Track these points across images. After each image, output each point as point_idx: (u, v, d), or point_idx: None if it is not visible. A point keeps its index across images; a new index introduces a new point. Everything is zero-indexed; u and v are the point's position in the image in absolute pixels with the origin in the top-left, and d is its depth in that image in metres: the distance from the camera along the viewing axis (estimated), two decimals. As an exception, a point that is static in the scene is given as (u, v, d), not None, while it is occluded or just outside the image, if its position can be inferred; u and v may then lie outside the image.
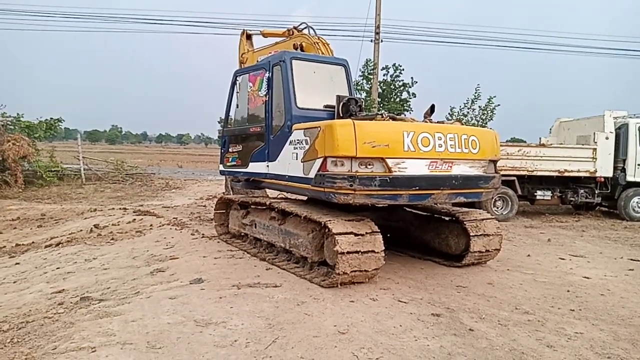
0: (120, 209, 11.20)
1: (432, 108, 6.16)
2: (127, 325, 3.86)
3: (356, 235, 4.88)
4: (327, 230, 4.93)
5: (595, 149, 11.64)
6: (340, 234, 4.77)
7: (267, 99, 6.25)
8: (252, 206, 6.82)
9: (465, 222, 5.95)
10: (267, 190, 7.57)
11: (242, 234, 7.01)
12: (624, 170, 11.80)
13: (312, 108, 5.96)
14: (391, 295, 4.78)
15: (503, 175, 10.28)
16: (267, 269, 5.65)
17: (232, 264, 5.93)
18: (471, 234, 5.88)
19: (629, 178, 11.77)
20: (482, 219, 6.12)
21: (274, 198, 6.73)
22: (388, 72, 19.22)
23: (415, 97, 19.13)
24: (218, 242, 7.31)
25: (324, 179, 4.92)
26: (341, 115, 5.72)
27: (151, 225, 8.90)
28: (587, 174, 11.73)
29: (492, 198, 11.02)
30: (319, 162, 5.05)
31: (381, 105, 18.49)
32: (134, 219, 9.50)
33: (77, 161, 17.82)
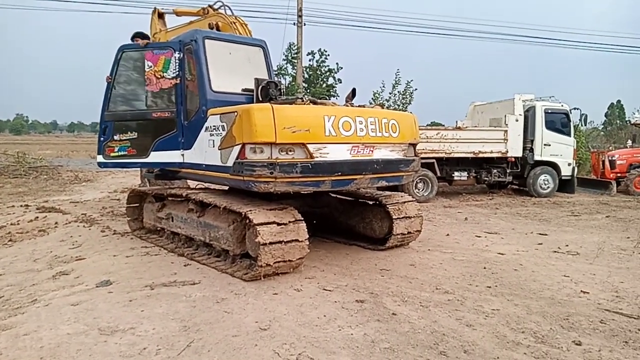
0: (21, 206, 10.06)
1: (354, 92, 6.08)
2: (18, 340, 3.38)
3: (279, 224, 4.69)
4: (248, 221, 4.68)
5: (506, 131, 12.38)
6: (261, 224, 4.55)
7: (178, 81, 5.80)
8: (168, 198, 6.37)
9: (387, 206, 5.99)
10: (189, 180, 7.06)
11: (158, 228, 6.54)
12: (532, 150, 12.68)
13: (229, 92, 5.62)
14: (316, 284, 4.66)
15: (423, 158, 10.64)
16: (185, 265, 5.30)
17: (146, 262, 5.49)
18: (393, 217, 5.93)
19: (537, 157, 12.67)
20: (404, 202, 6.20)
21: (191, 189, 6.32)
22: (314, 57, 19.09)
23: (341, 82, 19.22)
24: (131, 238, 6.76)
25: (242, 167, 4.65)
26: (260, 99, 5.45)
27: (56, 223, 8.07)
28: (499, 155, 12.46)
29: (414, 180, 11.36)
30: (236, 149, 4.76)
31: (307, 90, 18.34)
32: (37, 217, 8.55)
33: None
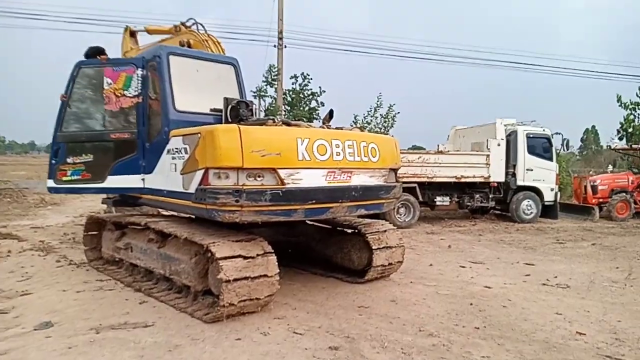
0: (-26, 231, 9.33)
1: (331, 113, 5.73)
2: None
3: (245, 258, 4.21)
4: (210, 254, 4.18)
5: (488, 155, 12.18)
6: (225, 258, 4.07)
7: (140, 100, 5.35)
8: (127, 226, 5.83)
9: (367, 235, 5.57)
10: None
11: (117, 259, 5.97)
12: (514, 175, 12.48)
13: (195, 112, 5.19)
14: (286, 326, 4.16)
15: (405, 183, 10.32)
16: (140, 303, 4.74)
17: (98, 298, 4.92)
18: (373, 248, 5.51)
19: (519, 182, 12.47)
20: (384, 231, 5.79)
21: (152, 216, 5.81)
22: (297, 80, 18.93)
23: (323, 105, 19.05)
24: (87, 270, 6.17)
25: (205, 194, 4.19)
26: (229, 120, 5.02)
27: (9, 251, 7.40)
28: (482, 179, 12.22)
29: (395, 205, 10.99)
30: (199, 174, 4.30)
31: (290, 113, 18.10)
32: (-11, 244, 7.88)
33: None
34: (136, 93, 5.42)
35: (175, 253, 4.79)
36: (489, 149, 12.23)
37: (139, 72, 5.41)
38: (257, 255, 4.31)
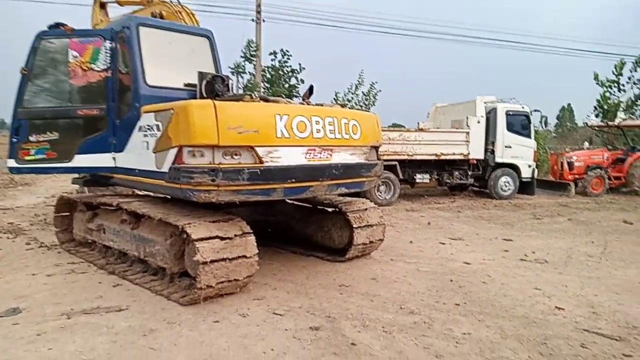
0: (-61, 214, 8.94)
1: (311, 89, 5.56)
2: None
3: (222, 239, 4.08)
4: (186, 235, 4.03)
5: (468, 133, 12.18)
6: (201, 239, 3.92)
7: (109, 74, 5.07)
8: (100, 207, 5.60)
9: (348, 214, 5.49)
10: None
11: (89, 241, 5.75)
12: (493, 152, 12.55)
13: (167, 87, 4.95)
14: (265, 307, 4.08)
15: (386, 160, 10.27)
16: (114, 286, 4.59)
17: (70, 281, 4.74)
18: (354, 226, 5.45)
19: (498, 159, 12.56)
20: (365, 209, 5.72)
21: (125, 196, 5.59)
22: (276, 57, 18.47)
23: (303, 83, 18.67)
24: (59, 252, 5.95)
25: (179, 173, 4.01)
26: (204, 95, 4.79)
27: (-24, 234, 7.10)
28: (462, 157, 12.25)
29: (375, 184, 10.95)
30: (173, 152, 4.12)
31: (269, 90, 17.73)
32: (-46, 228, 7.54)
33: None
34: (105, 67, 5.13)
35: (149, 234, 4.62)
36: (468, 126, 12.24)
37: (107, 44, 5.11)
38: (235, 235, 4.18)
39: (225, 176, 3.96)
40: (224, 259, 4.02)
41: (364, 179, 5.24)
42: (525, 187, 13.08)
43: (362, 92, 17.63)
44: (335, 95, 17.68)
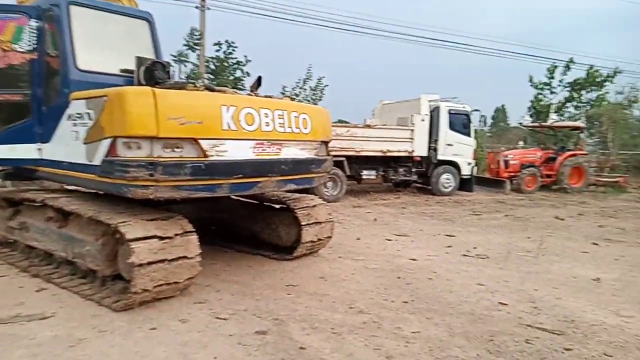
0: None
1: (259, 80, 5.33)
2: None
3: (161, 239, 3.78)
4: (120, 234, 3.70)
5: (412, 130, 12.41)
6: (137, 239, 3.61)
7: (35, 56, 4.57)
8: (23, 203, 5.07)
9: (296, 211, 5.33)
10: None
11: (10, 240, 5.20)
12: (435, 150, 12.88)
13: (101, 72, 4.54)
14: (208, 311, 3.83)
15: (334, 156, 10.20)
16: (38, 291, 4.15)
17: (-15, 286, 4.23)
18: (302, 223, 5.30)
19: (440, 157, 12.90)
20: (314, 206, 5.59)
21: (51, 191, 5.09)
22: (220, 48, 17.90)
23: (249, 75, 18.30)
24: (-27, 253, 5.33)
25: (112, 166, 3.67)
26: (143, 82, 4.45)
27: None
28: (406, 154, 12.47)
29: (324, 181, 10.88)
30: (106, 143, 3.76)
31: (213, 82, 17.15)
32: None
33: None
34: (30, 48, 4.61)
35: (78, 234, 4.21)
36: (413, 124, 12.47)
37: (33, 23, 4.60)
38: (176, 235, 3.90)
39: (165, 170, 3.67)
40: (162, 261, 3.72)
41: (314, 175, 5.10)
42: (464, 184, 13.55)
43: (310, 86, 17.57)
44: (283, 88, 17.49)
